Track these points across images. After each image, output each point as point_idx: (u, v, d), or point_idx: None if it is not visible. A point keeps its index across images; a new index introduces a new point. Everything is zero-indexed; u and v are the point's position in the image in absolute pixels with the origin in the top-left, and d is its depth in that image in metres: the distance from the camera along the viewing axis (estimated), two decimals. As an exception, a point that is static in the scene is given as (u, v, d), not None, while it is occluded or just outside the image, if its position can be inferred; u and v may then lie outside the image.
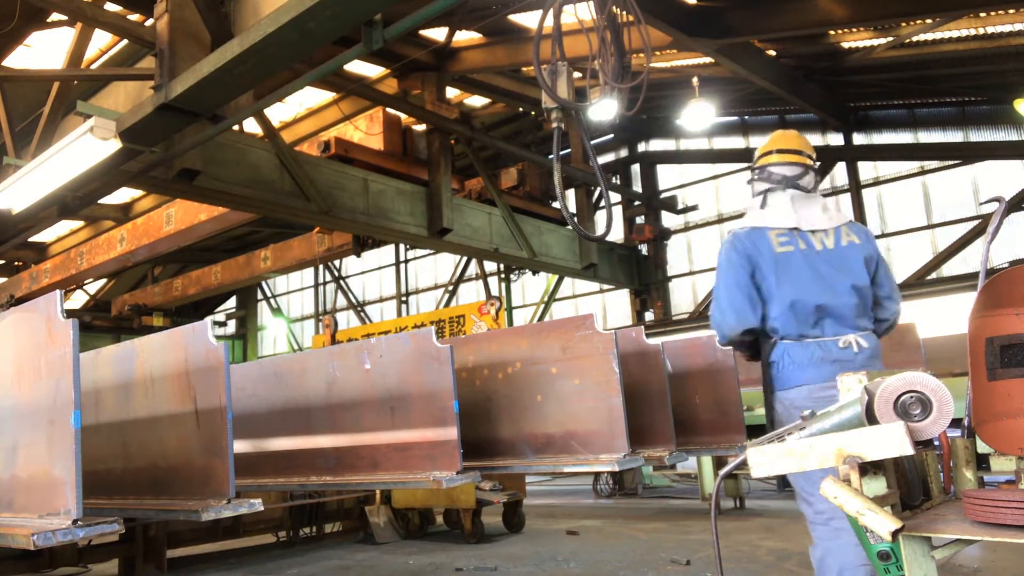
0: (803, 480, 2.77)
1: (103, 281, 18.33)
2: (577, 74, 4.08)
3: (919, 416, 1.66)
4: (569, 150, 12.22)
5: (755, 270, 2.93)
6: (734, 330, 2.93)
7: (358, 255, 11.77)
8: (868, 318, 2.94)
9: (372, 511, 7.08)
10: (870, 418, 1.71)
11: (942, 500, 1.99)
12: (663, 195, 13.92)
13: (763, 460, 1.75)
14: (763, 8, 7.89)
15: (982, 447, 1.98)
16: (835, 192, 11.87)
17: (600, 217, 13.53)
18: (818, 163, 3.27)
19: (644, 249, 13.80)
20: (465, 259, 15.97)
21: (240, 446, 4.10)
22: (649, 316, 13.59)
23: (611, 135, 14.31)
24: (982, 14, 7.63)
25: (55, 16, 6.93)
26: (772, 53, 9.50)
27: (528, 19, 8.95)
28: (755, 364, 3.12)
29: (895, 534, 1.55)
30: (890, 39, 8.51)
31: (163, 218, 10.20)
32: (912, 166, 11.21)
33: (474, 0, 8.29)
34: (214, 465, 2.79)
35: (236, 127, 7.46)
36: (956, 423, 1.86)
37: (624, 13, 4.03)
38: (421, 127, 10.26)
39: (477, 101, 11.93)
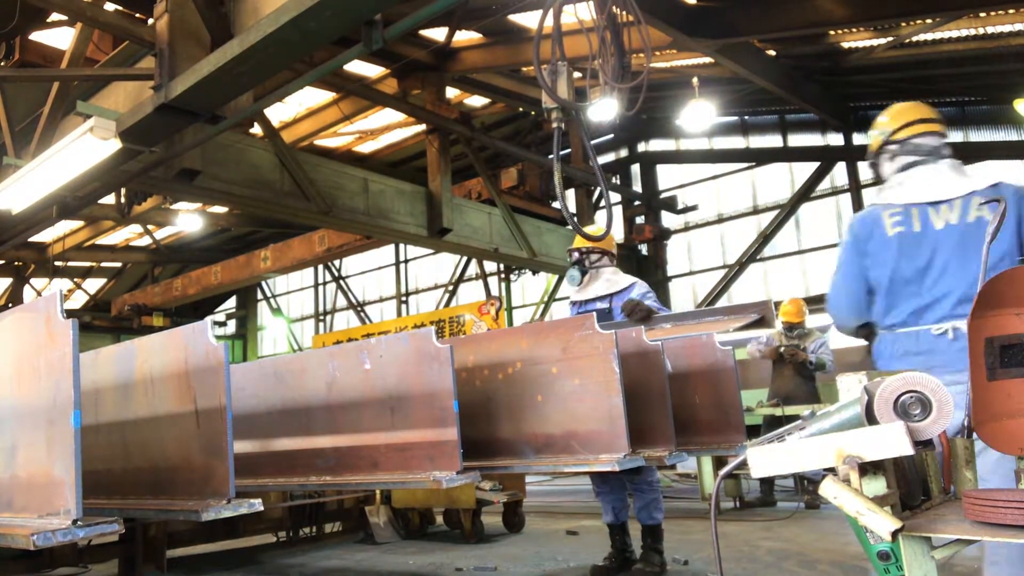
0: None
1: (103, 281, 18.33)
2: (577, 74, 4.08)
3: (919, 416, 1.66)
4: (569, 150, 12.22)
5: (867, 257, 2.71)
6: (847, 322, 2.80)
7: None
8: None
9: (372, 511, 7.07)
10: (870, 418, 1.71)
11: (942, 500, 1.99)
12: (663, 195, 13.92)
13: (763, 460, 1.74)
14: (763, 8, 7.89)
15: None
16: (835, 192, 11.87)
17: (600, 217, 13.52)
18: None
19: (644, 249, 13.79)
20: (465, 259, 15.96)
21: (240, 446, 4.09)
22: (649, 316, 13.57)
23: (611, 135, 14.30)
24: (982, 14, 7.63)
25: (55, 16, 6.94)
26: (772, 53, 9.49)
27: (528, 19, 8.95)
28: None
29: (895, 534, 1.55)
30: (890, 39, 8.51)
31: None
32: (912, 166, 11.21)
33: (474, 0, 8.29)
34: (214, 465, 2.79)
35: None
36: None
37: (624, 13, 4.03)
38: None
39: (477, 101, 11.93)
